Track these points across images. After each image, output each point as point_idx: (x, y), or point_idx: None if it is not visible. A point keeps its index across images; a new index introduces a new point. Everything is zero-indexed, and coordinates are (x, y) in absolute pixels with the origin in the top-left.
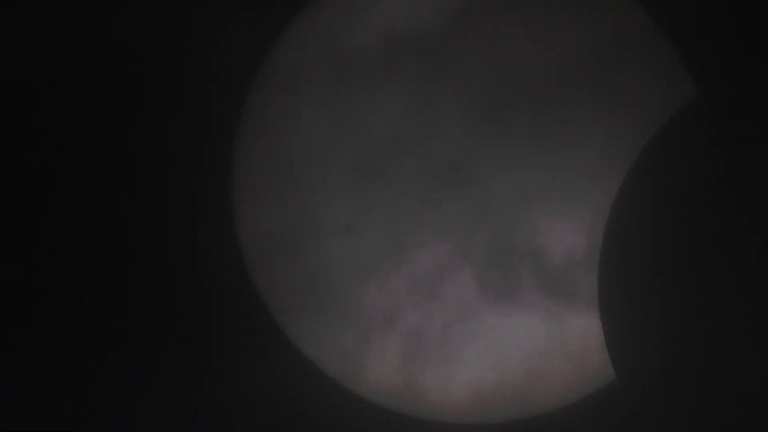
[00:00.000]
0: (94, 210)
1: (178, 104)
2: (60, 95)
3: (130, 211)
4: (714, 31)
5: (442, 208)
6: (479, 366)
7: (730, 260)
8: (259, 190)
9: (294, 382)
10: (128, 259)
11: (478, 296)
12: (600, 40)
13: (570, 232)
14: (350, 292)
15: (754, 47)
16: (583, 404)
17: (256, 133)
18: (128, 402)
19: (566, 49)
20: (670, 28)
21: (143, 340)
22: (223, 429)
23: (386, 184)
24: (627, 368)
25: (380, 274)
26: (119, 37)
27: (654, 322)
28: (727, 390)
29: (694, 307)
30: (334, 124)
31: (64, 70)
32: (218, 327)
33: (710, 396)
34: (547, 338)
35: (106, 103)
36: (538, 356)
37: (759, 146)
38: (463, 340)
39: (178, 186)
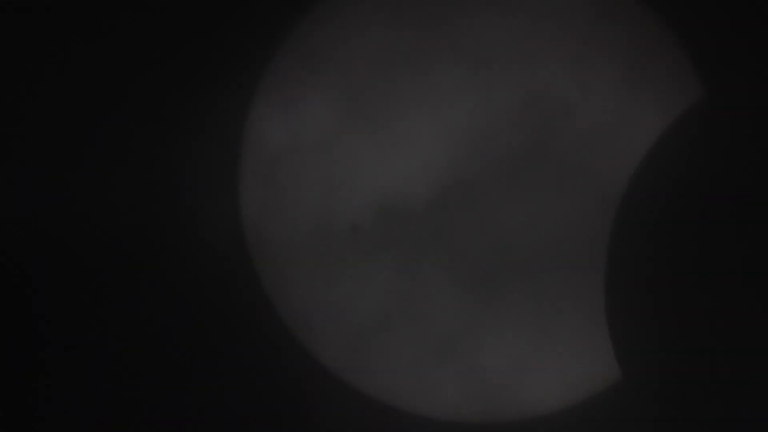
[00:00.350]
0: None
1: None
2: None
3: None
4: (722, 29)
5: (433, 381)
6: None
7: (738, 260)
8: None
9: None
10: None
11: None
12: (592, 209)
13: (562, 405)
14: None
15: (762, 46)
16: (588, 404)
17: (244, 311)
18: (134, 404)
19: (558, 222)
20: (678, 27)
21: (151, 344)
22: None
23: (377, 360)
24: (633, 368)
25: None
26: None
27: (660, 323)
28: (732, 390)
29: (701, 307)
30: (323, 300)
31: None
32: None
33: (716, 397)
34: None
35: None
36: None
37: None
38: None
39: None
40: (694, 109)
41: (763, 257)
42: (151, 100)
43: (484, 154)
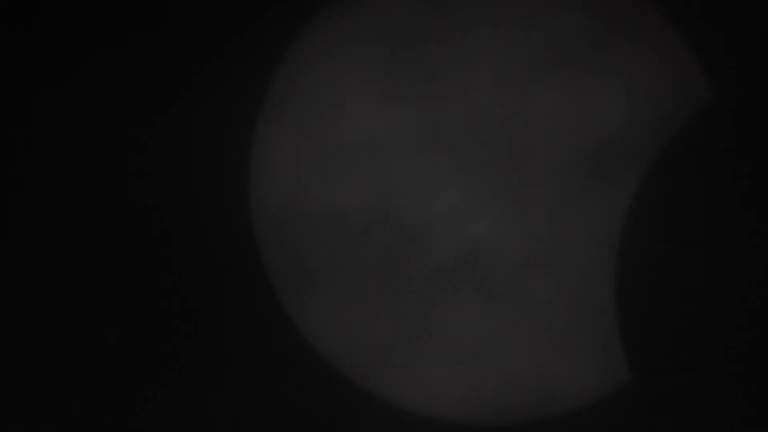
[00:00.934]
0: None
1: None
2: None
3: None
4: (729, 26)
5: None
6: None
7: (748, 259)
8: None
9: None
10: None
11: None
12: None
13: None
14: None
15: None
16: (597, 407)
17: None
18: (138, 406)
19: None
20: (683, 24)
21: (152, 339)
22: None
23: None
24: (644, 370)
25: None
26: None
27: (671, 324)
28: (742, 389)
29: (710, 307)
30: None
31: None
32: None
33: (725, 396)
34: None
35: None
36: None
37: None
38: None
39: None
40: (702, 111)
41: None
42: None
43: None
